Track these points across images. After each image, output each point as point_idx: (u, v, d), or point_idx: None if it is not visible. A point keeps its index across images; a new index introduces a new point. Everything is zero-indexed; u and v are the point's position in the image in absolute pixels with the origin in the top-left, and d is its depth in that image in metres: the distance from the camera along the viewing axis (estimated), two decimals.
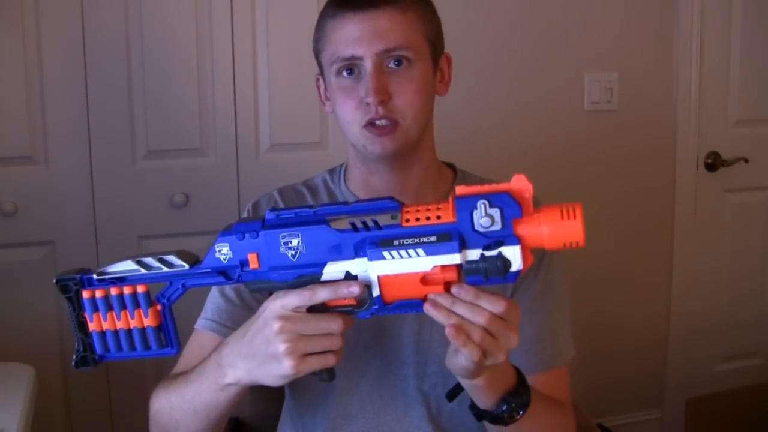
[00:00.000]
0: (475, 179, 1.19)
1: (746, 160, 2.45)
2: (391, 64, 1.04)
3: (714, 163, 2.45)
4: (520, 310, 0.82)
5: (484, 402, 0.94)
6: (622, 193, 2.36)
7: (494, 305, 0.79)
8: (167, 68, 1.90)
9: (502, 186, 0.77)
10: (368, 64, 1.03)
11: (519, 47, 2.20)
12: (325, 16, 1.08)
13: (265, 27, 1.95)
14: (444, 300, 0.79)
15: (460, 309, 0.79)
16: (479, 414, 0.96)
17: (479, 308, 0.79)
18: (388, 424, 1.11)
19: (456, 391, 0.98)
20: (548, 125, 2.24)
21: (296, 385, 1.13)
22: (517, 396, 0.94)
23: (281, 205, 1.16)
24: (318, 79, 1.15)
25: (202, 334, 1.13)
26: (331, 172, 1.22)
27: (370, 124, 1.04)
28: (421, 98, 1.06)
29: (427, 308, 0.79)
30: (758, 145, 2.49)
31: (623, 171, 2.35)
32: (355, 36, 1.03)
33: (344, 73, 1.05)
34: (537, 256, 1.13)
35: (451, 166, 1.21)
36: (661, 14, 2.34)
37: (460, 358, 0.83)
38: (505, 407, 0.93)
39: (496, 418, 0.94)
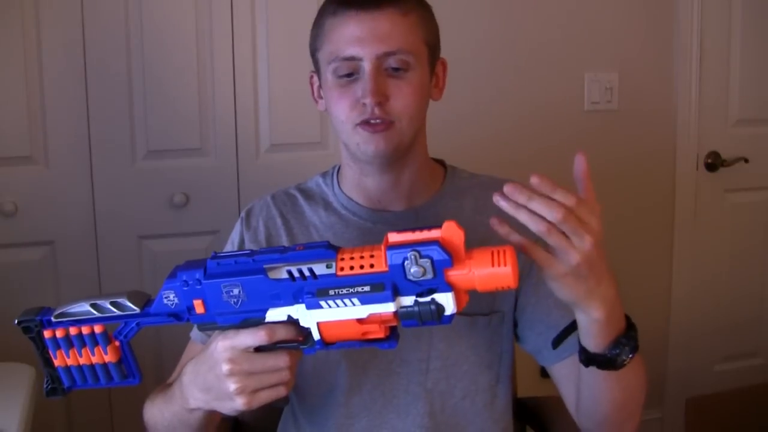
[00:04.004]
0: (465, 175, 1.20)
1: (746, 160, 2.45)
2: (390, 67, 1.03)
3: (714, 163, 2.45)
4: (593, 205, 0.84)
5: (598, 343, 0.91)
6: (622, 193, 2.36)
7: (567, 198, 0.81)
8: (167, 68, 1.90)
9: (432, 234, 0.78)
10: (367, 66, 1.03)
11: (519, 47, 2.20)
12: (325, 13, 1.08)
13: (265, 27, 1.95)
14: (520, 195, 0.80)
15: (536, 205, 0.81)
16: (589, 358, 0.94)
17: (554, 202, 0.80)
18: (391, 422, 1.11)
19: (565, 333, 0.97)
20: (548, 125, 2.24)
21: (299, 386, 1.14)
22: (629, 338, 0.92)
23: (274, 211, 1.17)
24: (312, 76, 1.15)
25: (195, 346, 1.15)
26: (324, 175, 1.22)
27: (365, 123, 1.04)
28: (417, 102, 1.06)
29: (497, 199, 0.81)
30: (758, 145, 2.49)
31: (623, 171, 2.35)
32: (356, 36, 1.03)
33: (341, 73, 1.05)
34: (540, 242, 1.13)
35: (441, 163, 1.21)
36: (661, 14, 2.34)
37: (557, 267, 0.83)
38: (617, 350, 0.91)
39: (607, 362, 0.92)
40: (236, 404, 0.86)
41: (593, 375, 0.96)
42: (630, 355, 0.92)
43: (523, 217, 0.81)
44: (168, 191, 1.93)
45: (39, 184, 1.84)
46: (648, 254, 2.44)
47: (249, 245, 1.15)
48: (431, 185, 1.16)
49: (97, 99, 1.85)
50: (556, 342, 1.01)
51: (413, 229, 0.79)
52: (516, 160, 2.13)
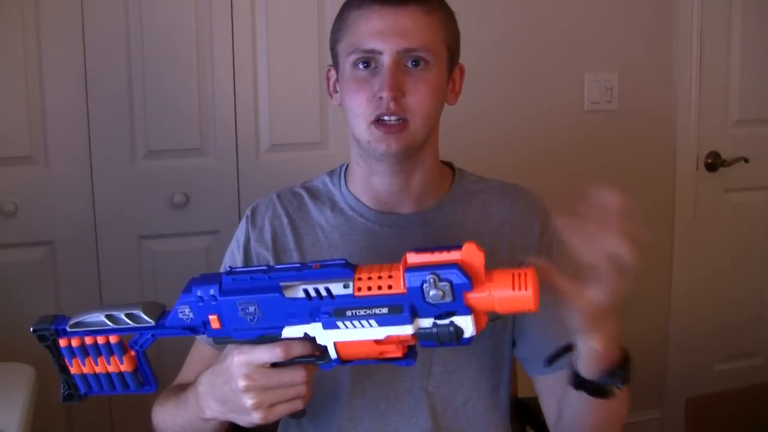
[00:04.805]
0: (473, 179, 1.19)
1: (746, 160, 2.45)
2: (409, 64, 1.03)
3: (714, 163, 2.45)
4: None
5: (591, 370, 0.93)
6: (622, 193, 2.35)
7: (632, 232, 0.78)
8: (167, 68, 1.90)
9: (452, 256, 0.77)
10: (386, 60, 1.02)
11: (519, 47, 2.20)
12: (349, 6, 1.08)
13: (265, 27, 1.95)
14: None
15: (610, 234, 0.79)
16: (580, 383, 0.95)
17: (625, 236, 0.79)
18: (394, 425, 1.11)
19: (560, 353, 0.98)
20: (548, 125, 2.24)
21: None
22: (623, 370, 0.93)
23: (280, 210, 1.16)
24: (329, 70, 1.15)
25: (201, 346, 1.15)
26: (331, 173, 1.21)
27: (378, 121, 1.04)
28: (433, 101, 1.06)
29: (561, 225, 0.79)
30: (758, 145, 2.49)
31: (623, 171, 2.34)
32: (378, 30, 1.03)
33: (360, 66, 1.05)
34: (545, 250, 1.14)
35: (449, 165, 1.21)
36: (661, 14, 2.34)
37: (585, 302, 0.82)
38: (610, 380, 0.93)
39: (598, 390, 0.94)
40: (253, 418, 0.87)
41: (579, 398, 0.97)
42: (620, 387, 0.94)
43: (578, 241, 0.79)
44: (168, 191, 1.93)
45: (39, 184, 1.84)
46: (648, 254, 2.43)
47: (255, 245, 1.14)
48: (440, 188, 1.15)
49: (97, 99, 1.85)
50: (550, 360, 1.02)
51: (432, 250, 0.78)
52: (516, 160, 2.13)
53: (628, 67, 2.31)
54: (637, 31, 2.32)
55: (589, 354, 0.91)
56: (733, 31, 2.42)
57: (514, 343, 1.16)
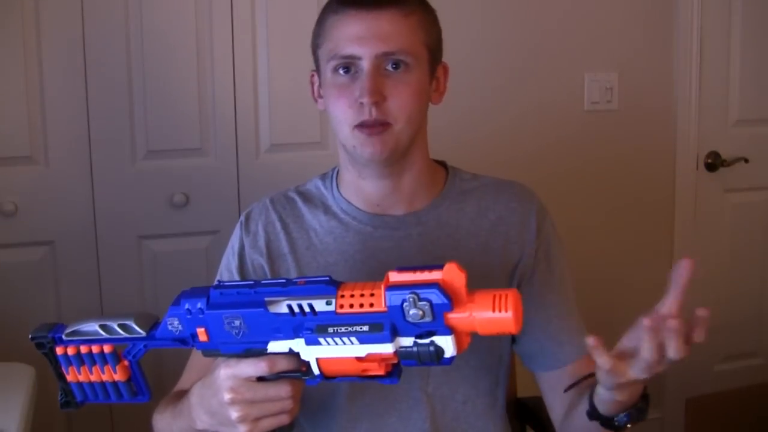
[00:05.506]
0: (467, 177, 1.19)
1: (746, 160, 2.45)
2: (389, 67, 1.03)
3: (714, 163, 2.45)
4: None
5: (610, 409, 0.94)
6: (622, 193, 2.36)
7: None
8: (167, 68, 1.90)
9: (433, 276, 0.77)
10: (366, 65, 1.02)
11: (519, 47, 2.20)
12: (327, 11, 1.08)
13: (265, 27, 1.95)
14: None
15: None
16: (595, 415, 0.96)
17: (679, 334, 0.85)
18: (393, 426, 1.11)
19: (579, 381, 1.00)
20: (548, 125, 2.24)
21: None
22: (639, 411, 0.95)
23: (273, 215, 1.16)
24: (312, 75, 1.14)
25: (200, 353, 1.14)
26: (323, 177, 1.20)
27: (361, 125, 1.03)
28: (415, 103, 1.05)
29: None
30: (758, 145, 2.49)
31: (623, 171, 2.35)
32: (356, 35, 1.02)
33: (340, 71, 1.04)
34: (543, 246, 1.14)
35: (442, 164, 1.20)
36: (661, 14, 2.34)
37: (629, 375, 0.85)
38: (626, 419, 0.94)
39: (612, 426, 0.95)
40: (239, 430, 0.87)
41: (591, 421, 0.98)
42: (635, 421, 0.94)
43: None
44: (168, 191, 1.93)
45: (39, 184, 1.84)
46: (648, 254, 2.44)
47: (249, 251, 1.14)
48: (432, 188, 1.15)
49: (97, 99, 1.85)
50: (570, 387, 1.03)
51: (414, 269, 0.78)
52: (516, 160, 2.13)
53: (628, 67, 2.31)
54: (637, 31, 2.32)
55: (610, 400, 0.93)
56: (733, 31, 2.42)
57: (513, 339, 1.16)
